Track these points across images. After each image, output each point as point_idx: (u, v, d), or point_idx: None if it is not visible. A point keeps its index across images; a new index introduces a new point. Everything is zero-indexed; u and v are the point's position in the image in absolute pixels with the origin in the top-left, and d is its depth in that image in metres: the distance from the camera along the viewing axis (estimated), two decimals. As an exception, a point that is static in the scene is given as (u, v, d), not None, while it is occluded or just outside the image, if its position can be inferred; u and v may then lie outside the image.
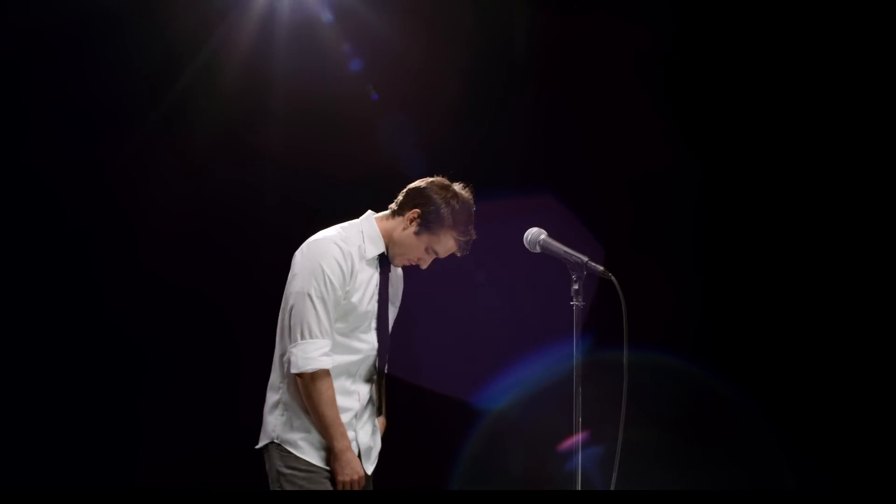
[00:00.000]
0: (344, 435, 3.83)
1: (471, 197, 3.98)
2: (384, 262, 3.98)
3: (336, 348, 3.85)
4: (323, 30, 5.63)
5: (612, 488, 3.68)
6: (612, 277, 3.67)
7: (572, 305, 3.68)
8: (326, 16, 5.61)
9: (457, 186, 3.97)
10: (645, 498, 3.85)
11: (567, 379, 3.65)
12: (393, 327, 4.14)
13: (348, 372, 3.90)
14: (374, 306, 3.95)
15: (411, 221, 3.92)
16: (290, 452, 3.89)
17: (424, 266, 4.02)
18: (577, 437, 3.65)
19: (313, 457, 3.88)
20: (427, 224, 3.91)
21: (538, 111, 5.68)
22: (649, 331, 4.38)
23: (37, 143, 5.56)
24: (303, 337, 3.80)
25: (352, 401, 3.92)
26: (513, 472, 5.58)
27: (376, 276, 3.96)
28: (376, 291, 3.96)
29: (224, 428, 5.60)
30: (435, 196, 3.92)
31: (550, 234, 3.79)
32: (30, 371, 5.48)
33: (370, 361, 3.98)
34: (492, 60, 5.72)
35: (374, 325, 3.97)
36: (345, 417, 3.87)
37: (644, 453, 4.55)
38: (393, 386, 4.11)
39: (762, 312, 5.47)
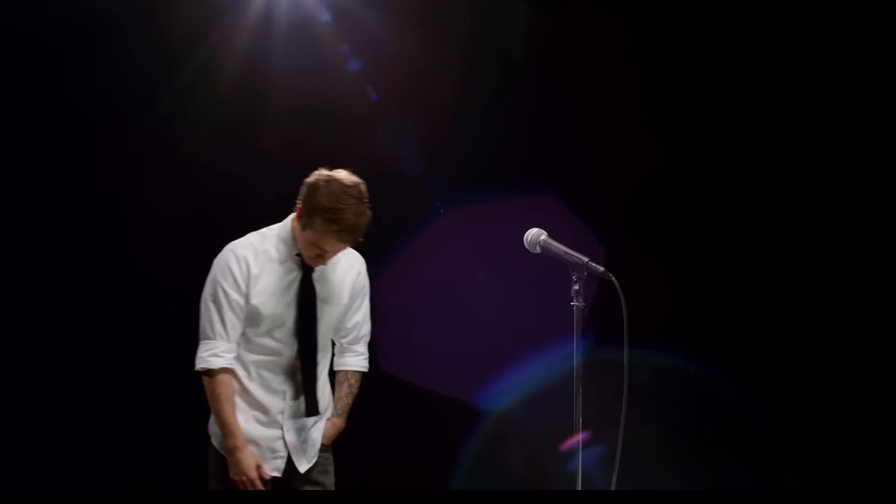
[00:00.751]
0: (233, 434, 3.91)
1: (351, 181, 3.85)
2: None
3: (254, 348, 3.95)
4: (321, 30, 5.63)
5: (612, 488, 3.69)
6: (613, 278, 3.68)
7: (573, 306, 3.69)
8: (324, 16, 5.61)
9: (339, 173, 3.87)
10: (645, 498, 3.86)
11: (568, 379, 3.66)
12: (381, 325, 4.16)
13: (272, 371, 3.97)
14: (286, 307, 3.94)
15: (298, 218, 3.91)
16: (213, 447, 4.06)
17: (324, 263, 3.94)
18: (578, 437, 3.66)
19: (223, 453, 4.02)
20: (304, 218, 3.86)
21: (537, 111, 5.68)
22: (649, 330, 4.39)
23: (36, 142, 5.56)
24: (201, 339, 3.95)
25: (276, 399, 3.99)
26: (514, 472, 5.58)
27: (295, 277, 3.95)
28: (294, 293, 3.95)
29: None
30: (310, 187, 3.87)
31: (551, 235, 3.80)
32: (30, 370, 5.48)
33: (299, 362, 3.99)
34: (490, 60, 5.72)
35: (294, 326, 3.96)
36: (267, 416, 3.97)
37: (644, 453, 4.56)
38: (395, 387, 4.13)
39: (763, 311, 5.46)
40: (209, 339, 3.93)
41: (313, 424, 4.06)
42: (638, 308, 3.70)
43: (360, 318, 4.15)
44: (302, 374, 3.98)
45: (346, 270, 4.05)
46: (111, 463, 5.47)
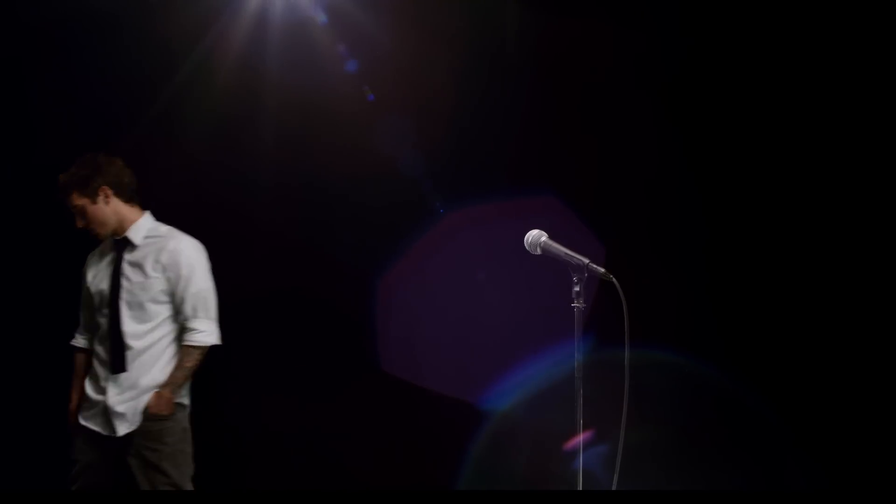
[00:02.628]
0: (70, 395, 4.71)
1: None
2: (120, 242, 4.63)
3: (91, 327, 4.68)
4: (317, 31, 5.64)
5: (613, 488, 3.71)
6: (613, 279, 3.69)
7: (573, 307, 3.71)
8: (320, 17, 5.61)
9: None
10: (645, 498, 3.88)
11: (569, 379, 3.68)
12: (383, 325, 4.19)
13: (103, 344, 4.62)
14: (106, 285, 4.60)
15: None
16: None
17: (93, 233, 4.63)
18: (579, 438, 3.68)
19: None
20: None
21: (536, 110, 5.69)
22: (650, 331, 4.40)
23: (34, 140, 5.57)
24: None
25: (103, 368, 4.63)
26: (516, 472, 5.59)
27: (112, 256, 4.65)
28: (111, 269, 4.63)
29: (221, 427, 5.62)
30: None
31: (551, 236, 3.82)
32: (29, 370, 5.49)
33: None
34: (488, 60, 5.72)
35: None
36: (97, 381, 4.62)
37: (646, 453, 4.58)
38: (396, 387, 4.15)
39: (764, 311, 5.46)
40: None
41: (141, 393, 4.57)
42: (638, 309, 3.71)
43: (183, 296, 4.62)
44: (108, 332, 4.58)
45: (156, 249, 4.61)
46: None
